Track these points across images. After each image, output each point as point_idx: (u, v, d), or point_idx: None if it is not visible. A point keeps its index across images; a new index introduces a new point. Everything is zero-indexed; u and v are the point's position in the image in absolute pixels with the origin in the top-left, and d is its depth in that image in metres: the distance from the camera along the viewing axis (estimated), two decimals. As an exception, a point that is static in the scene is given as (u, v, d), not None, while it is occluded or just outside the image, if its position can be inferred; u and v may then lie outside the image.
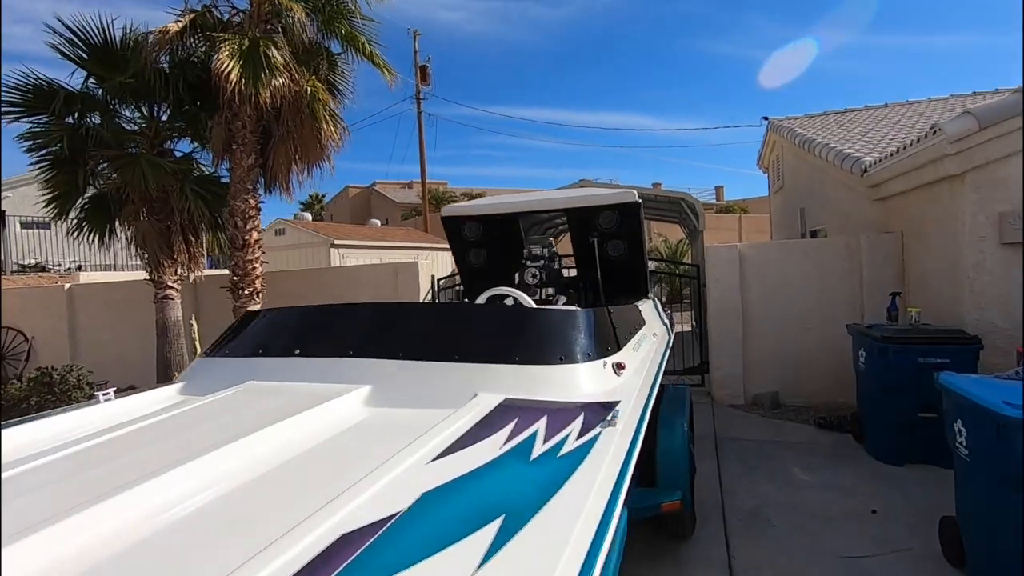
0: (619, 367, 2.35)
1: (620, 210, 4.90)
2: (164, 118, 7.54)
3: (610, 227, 4.99)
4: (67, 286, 10.29)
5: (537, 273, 4.86)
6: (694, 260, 10.31)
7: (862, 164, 6.57)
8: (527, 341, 2.27)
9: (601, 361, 2.28)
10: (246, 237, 6.87)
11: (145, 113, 7.47)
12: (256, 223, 6.99)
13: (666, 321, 4.97)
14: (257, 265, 6.99)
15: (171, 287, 7.45)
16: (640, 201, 4.79)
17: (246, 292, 6.90)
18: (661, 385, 4.26)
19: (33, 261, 14.57)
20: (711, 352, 6.83)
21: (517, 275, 4.93)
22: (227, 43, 5.97)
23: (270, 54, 6.10)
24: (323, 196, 39.76)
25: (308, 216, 19.03)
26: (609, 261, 5.10)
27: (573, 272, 5.53)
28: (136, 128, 7.48)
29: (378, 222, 24.00)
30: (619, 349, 2.54)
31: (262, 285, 7.08)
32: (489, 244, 5.50)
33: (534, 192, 5.30)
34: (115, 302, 9.74)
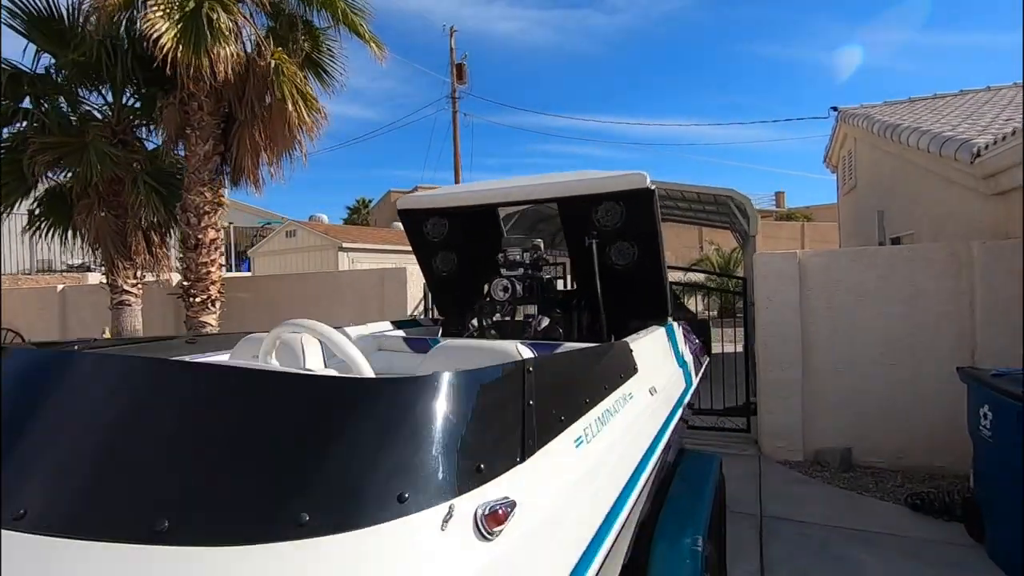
0: (494, 519, 1.02)
1: (626, 201, 3.55)
2: (129, 103, 6.72)
3: (613, 224, 3.64)
4: (60, 288, 9.77)
5: (510, 286, 3.56)
6: (747, 273, 8.68)
7: (972, 148, 4.91)
8: (240, 472, 0.97)
9: (441, 508, 0.96)
10: (200, 236, 5.90)
11: (109, 99, 6.68)
12: (213, 220, 6.02)
13: (689, 357, 3.57)
14: (213, 269, 6.01)
15: (129, 292, 6.58)
16: (653, 188, 3.42)
17: (198, 300, 5.92)
18: (679, 450, 2.88)
19: (79, 261, 14.28)
20: (760, 390, 5.29)
21: (487, 288, 3.66)
22: (160, 3, 5.00)
23: (214, 17, 5.08)
24: (369, 201, 39.70)
25: (324, 218, 18.38)
26: (614, 271, 3.74)
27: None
28: (99, 114, 6.68)
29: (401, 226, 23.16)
30: (520, 459, 1.21)
31: (220, 292, 6.10)
32: (459, 247, 4.25)
33: (525, 178, 3.95)
34: (102, 306, 9.10)
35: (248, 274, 13.12)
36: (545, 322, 3.69)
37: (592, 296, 3.79)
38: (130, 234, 6.35)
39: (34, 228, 6.72)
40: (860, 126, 8.89)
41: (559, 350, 3.04)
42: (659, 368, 2.74)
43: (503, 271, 3.79)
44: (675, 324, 3.60)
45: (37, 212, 6.70)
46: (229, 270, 16.44)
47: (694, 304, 15.62)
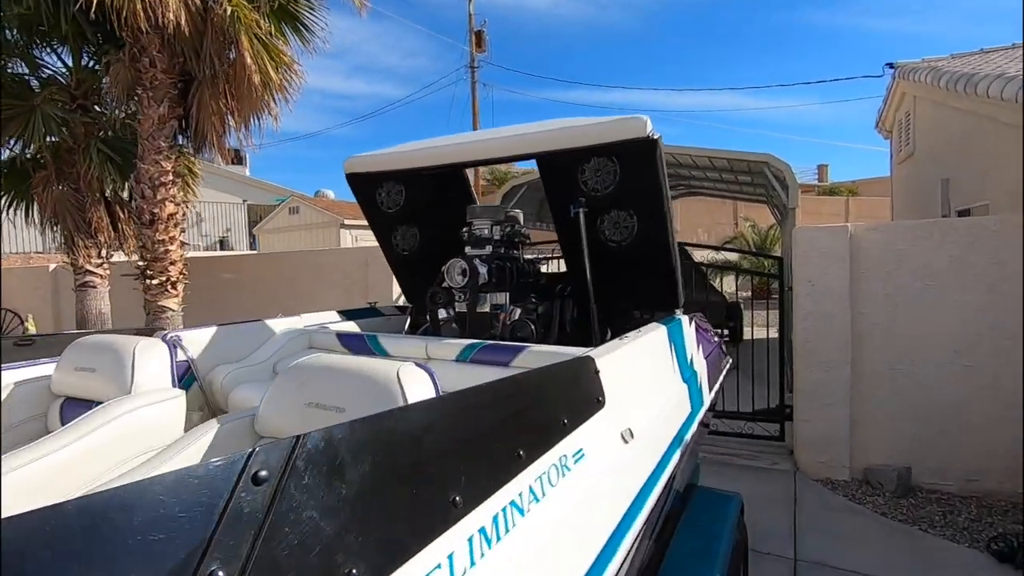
0: None
1: (621, 156, 2.70)
2: (89, 65, 6.10)
3: (605, 187, 2.79)
4: (52, 267, 9.43)
5: (468, 268, 2.77)
6: (784, 252, 7.62)
7: (1083, 90, 3.83)
8: None
9: None
10: (155, 210, 5.26)
11: (70, 63, 6.06)
12: (171, 192, 5.36)
13: (701, 364, 2.73)
14: (173, 247, 5.38)
15: (93, 272, 6.04)
16: (657, 137, 2.55)
17: (155, 282, 5.31)
18: (683, 489, 2.29)
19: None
20: (798, 393, 4.39)
21: (444, 272, 2.89)
22: (83, -67, 4.29)
23: (149, -51, 4.35)
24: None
25: (330, 194, 17.69)
26: (608, 248, 2.92)
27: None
28: (63, 79, 6.08)
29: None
30: None
31: (181, 273, 5.47)
32: (420, 219, 3.47)
33: (494, 131, 3.09)
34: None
35: (225, 253, 12.48)
36: (517, 312, 2.89)
37: (581, 281, 2.97)
38: (90, 209, 5.77)
39: (-8, 203, 6.21)
40: (923, 81, 7.66)
41: (518, 358, 2.27)
42: (648, 392, 1.92)
43: (467, 249, 3.01)
44: (684, 319, 2.75)
45: (-2, 186, 6.18)
46: (251, 248, 16.11)
47: (726, 285, 14.53)
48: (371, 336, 2.75)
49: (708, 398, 2.65)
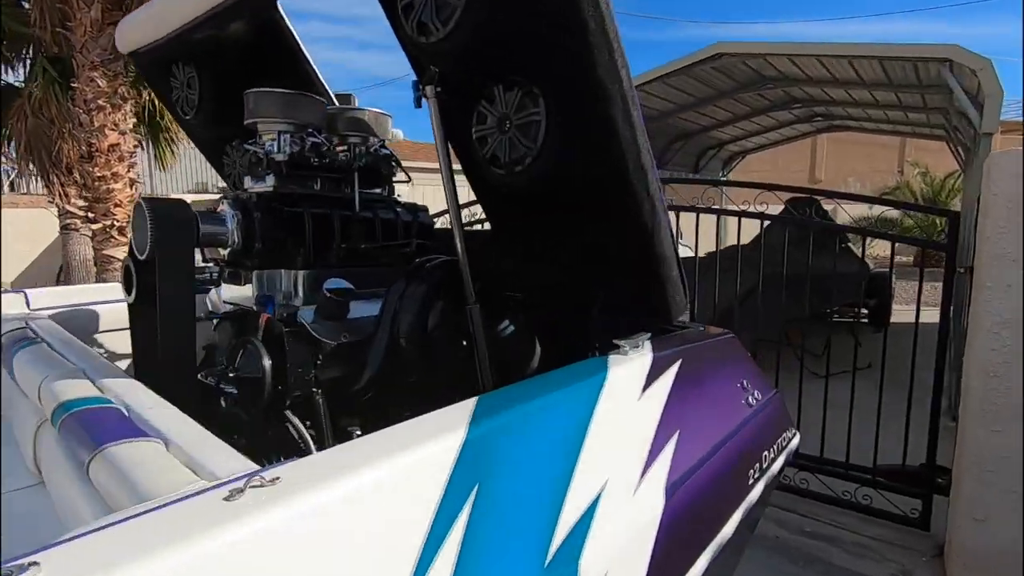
0: None
1: None
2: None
3: (446, 21, 1.13)
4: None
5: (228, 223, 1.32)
6: (965, 206, 4.97)
7: None
8: None
9: None
10: (92, 140, 4.36)
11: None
12: (113, 118, 4.42)
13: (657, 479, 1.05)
14: (116, 185, 4.49)
15: (74, 213, 5.43)
16: None
17: (98, 227, 4.48)
18: None
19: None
20: (965, 458, 2.39)
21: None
22: None
23: None
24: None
25: (399, 133, 16.56)
26: (507, 181, 1.29)
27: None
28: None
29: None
30: None
31: (128, 217, 4.59)
32: (228, 127, 2.03)
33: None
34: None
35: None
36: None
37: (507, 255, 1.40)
38: (56, 141, 5.07)
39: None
40: None
41: None
42: None
43: (246, 180, 1.57)
44: (638, 360, 1.06)
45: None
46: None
47: (879, 249, 11.05)
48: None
49: None
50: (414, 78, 1.31)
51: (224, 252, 1.44)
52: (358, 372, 1.35)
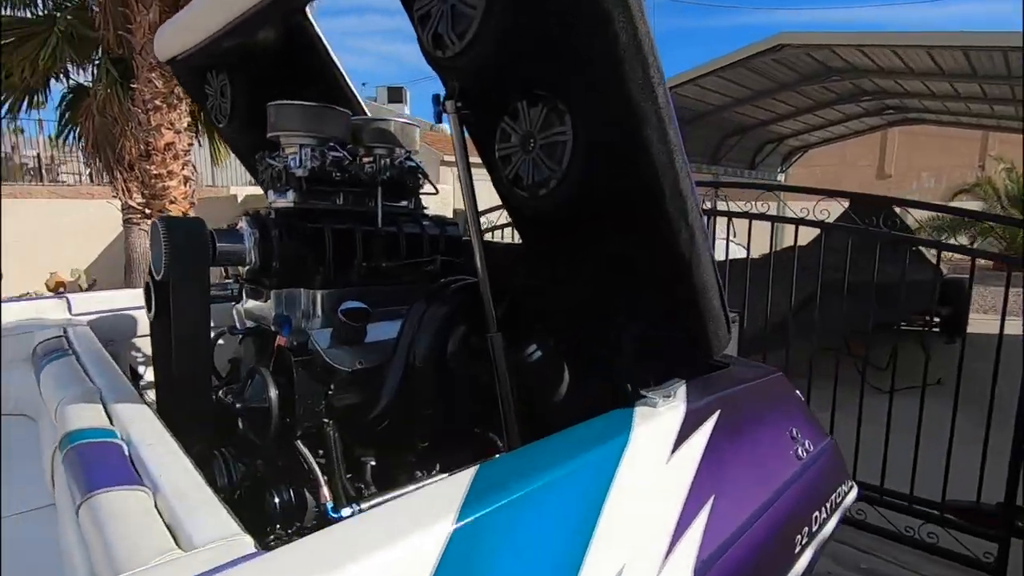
0: None
1: None
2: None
3: (462, 33, 1.03)
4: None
5: (250, 238, 1.30)
6: None
7: None
8: None
9: None
10: (150, 139, 4.52)
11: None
12: (170, 116, 4.57)
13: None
14: (172, 183, 4.64)
15: (134, 208, 5.67)
16: None
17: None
18: None
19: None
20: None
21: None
22: None
23: None
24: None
25: (447, 128, 16.43)
26: (528, 201, 1.19)
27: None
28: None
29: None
30: None
31: (185, 214, 4.75)
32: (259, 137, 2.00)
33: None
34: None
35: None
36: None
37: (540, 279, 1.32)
38: (119, 138, 5.29)
39: (60, 135, 6.13)
40: None
41: None
42: None
43: (268, 197, 1.54)
44: (671, 410, 0.94)
45: (65, 116, 6.06)
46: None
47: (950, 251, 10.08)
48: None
49: None
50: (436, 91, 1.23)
51: (243, 270, 1.41)
52: (373, 400, 1.29)
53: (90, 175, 9.85)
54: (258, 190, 2.36)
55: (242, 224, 1.38)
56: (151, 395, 2.09)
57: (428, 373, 1.30)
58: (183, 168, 4.70)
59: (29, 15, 5.22)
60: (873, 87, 6.77)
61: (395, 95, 21.81)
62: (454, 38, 0.99)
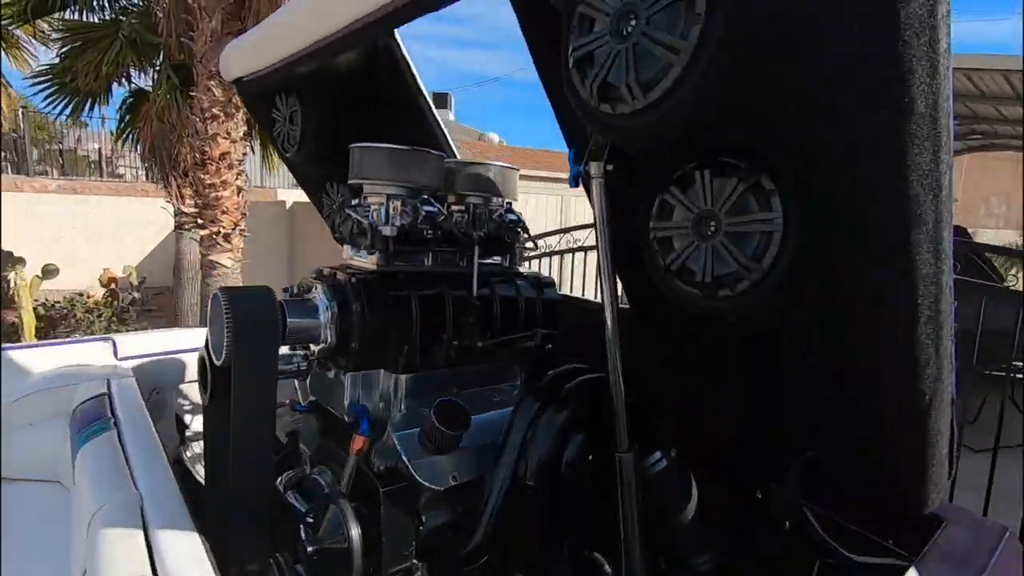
0: None
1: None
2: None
3: (651, 77, 0.76)
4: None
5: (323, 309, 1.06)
6: None
7: None
8: None
9: None
10: (206, 148, 4.43)
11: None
12: (226, 127, 4.47)
13: None
14: (225, 193, 4.54)
15: (186, 214, 5.62)
16: None
17: (206, 233, 4.57)
18: None
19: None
20: None
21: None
22: None
23: None
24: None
25: (495, 137, 16.27)
26: (701, 302, 0.91)
27: None
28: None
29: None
30: None
31: (236, 224, 4.65)
32: (337, 165, 1.79)
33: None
34: (269, 224, 8.77)
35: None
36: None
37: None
38: (174, 144, 5.25)
39: (119, 138, 6.14)
40: None
41: None
42: None
43: (344, 253, 1.30)
44: None
45: (124, 119, 6.08)
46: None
47: None
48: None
49: None
50: (569, 148, 0.97)
51: (315, 347, 1.17)
52: (468, 528, 1.04)
53: (146, 173, 9.96)
54: (306, 196, 2.16)
55: (316, 293, 1.14)
56: (197, 447, 1.90)
57: (543, 492, 1.04)
58: (237, 178, 4.61)
59: (95, 20, 5.24)
60: (965, 111, 6.24)
61: (440, 101, 21.86)
62: (636, 91, 0.72)
